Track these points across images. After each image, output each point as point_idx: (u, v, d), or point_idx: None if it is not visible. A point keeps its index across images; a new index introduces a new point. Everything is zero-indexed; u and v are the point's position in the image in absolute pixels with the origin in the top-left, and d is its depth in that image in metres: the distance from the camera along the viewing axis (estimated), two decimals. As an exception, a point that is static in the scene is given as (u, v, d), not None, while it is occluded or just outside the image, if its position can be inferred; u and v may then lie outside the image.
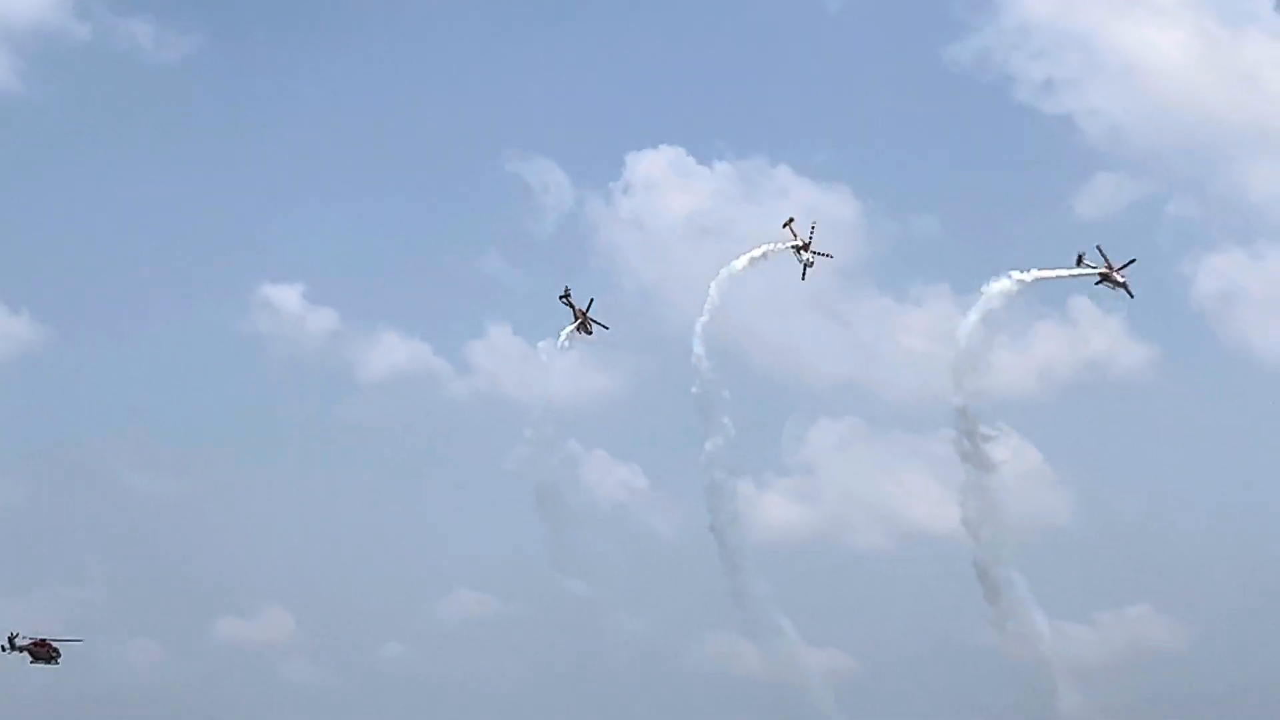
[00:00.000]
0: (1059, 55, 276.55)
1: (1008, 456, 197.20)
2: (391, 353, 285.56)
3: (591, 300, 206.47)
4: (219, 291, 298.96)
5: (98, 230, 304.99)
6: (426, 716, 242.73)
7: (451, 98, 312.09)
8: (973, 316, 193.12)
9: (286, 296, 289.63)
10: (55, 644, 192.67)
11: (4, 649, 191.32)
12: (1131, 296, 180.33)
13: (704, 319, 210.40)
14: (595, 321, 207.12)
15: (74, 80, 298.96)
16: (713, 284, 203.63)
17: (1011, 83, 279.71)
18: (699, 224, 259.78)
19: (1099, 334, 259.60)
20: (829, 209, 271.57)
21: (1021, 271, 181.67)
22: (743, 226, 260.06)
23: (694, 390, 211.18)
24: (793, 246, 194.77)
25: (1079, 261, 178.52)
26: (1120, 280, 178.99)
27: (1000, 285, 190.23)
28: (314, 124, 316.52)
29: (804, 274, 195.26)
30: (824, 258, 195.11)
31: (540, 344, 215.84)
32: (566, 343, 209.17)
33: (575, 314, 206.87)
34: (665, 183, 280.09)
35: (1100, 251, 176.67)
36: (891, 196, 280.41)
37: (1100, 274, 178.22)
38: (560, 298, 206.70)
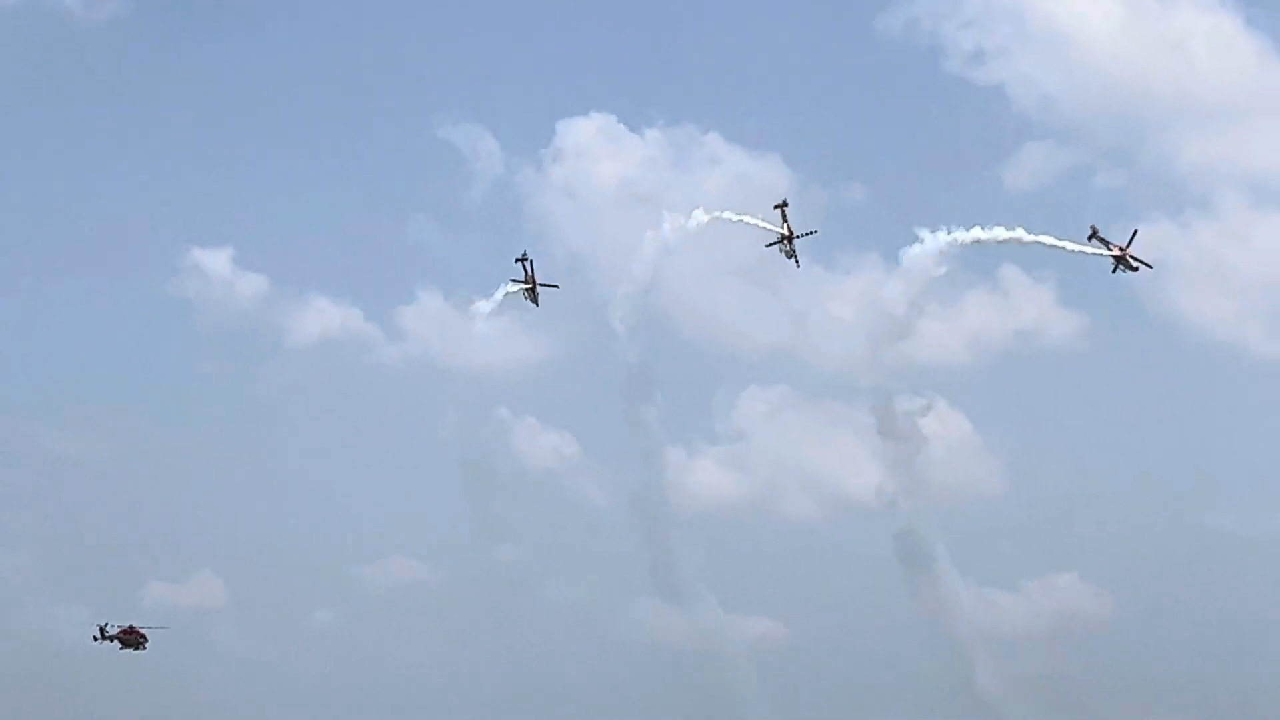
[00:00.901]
0: (989, 25, 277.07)
1: (937, 426, 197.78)
2: (322, 318, 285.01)
3: (531, 261, 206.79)
4: (148, 255, 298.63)
5: (25, 192, 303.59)
6: (356, 682, 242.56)
7: (382, 63, 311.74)
8: (902, 284, 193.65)
9: (216, 261, 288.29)
10: (142, 630, 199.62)
11: (96, 639, 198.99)
12: (1150, 267, 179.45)
13: (635, 287, 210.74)
14: (544, 284, 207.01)
15: (2, 42, 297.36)
16: (649, 246, 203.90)
17: (941, 52, 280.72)
18: (630, 191, 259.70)
19: (1029, 304, 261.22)
20: (760, 177, 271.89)
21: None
22: (674, 193, 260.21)
23: (624, 358, 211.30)
24: (781, 235, 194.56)
25: (1092, 235, 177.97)
26: (1134, 265, 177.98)
27: (930, 252, 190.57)
28: (244, 88, 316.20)
29: (797, 263, 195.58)
30: (810, 234, 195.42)
31: (474, 305, 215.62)
32: (498, 299, 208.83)
33: (528, 279, 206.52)
34: (596, 150, 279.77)
35: (1100, 236, 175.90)
36: (822, 165, 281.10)
37: (1115, 257, 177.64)
38: (518, 260, 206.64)
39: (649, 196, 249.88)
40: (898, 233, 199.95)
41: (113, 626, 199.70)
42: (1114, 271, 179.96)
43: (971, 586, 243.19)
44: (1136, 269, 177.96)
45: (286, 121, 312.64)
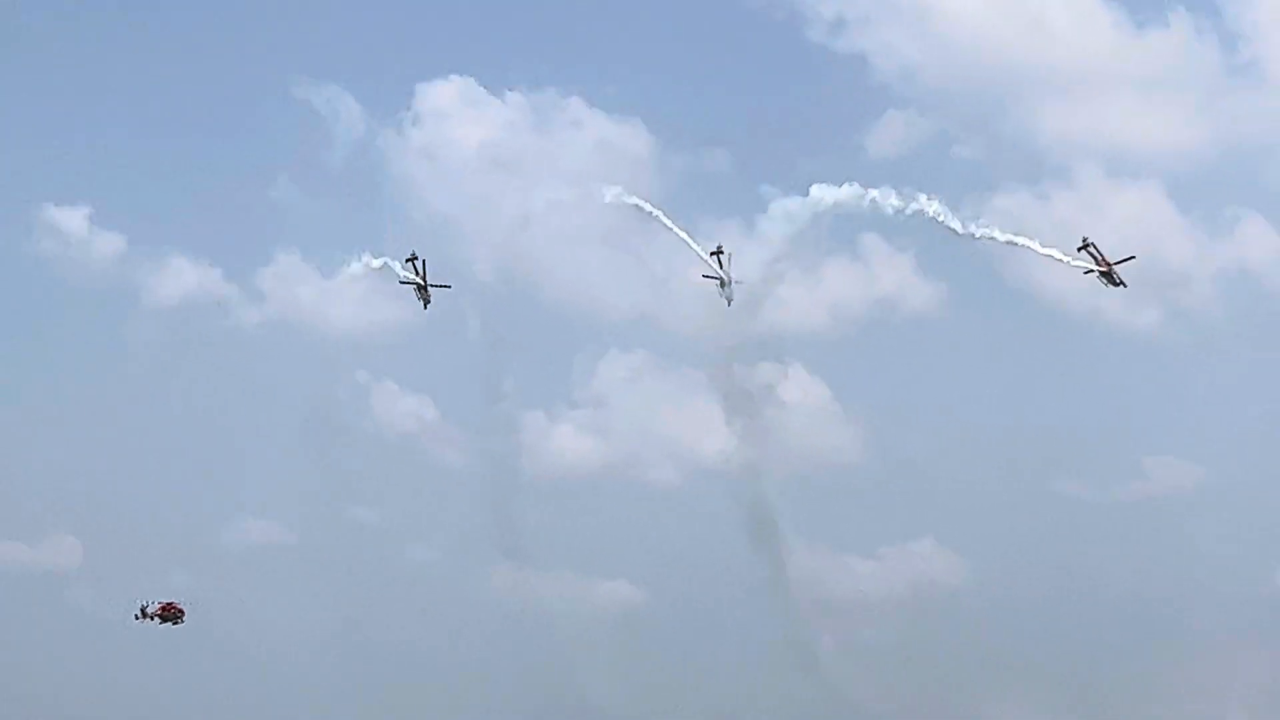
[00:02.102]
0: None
1: (796, 393, 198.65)
2: (180, 278, 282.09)
3: (424, 260, 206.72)
4: (2, 214, 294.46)
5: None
6: (213, 645, 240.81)
7: (240, 21, 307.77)
8: (764, 251, 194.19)
9: (72, 219, 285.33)
10: (179, 606, 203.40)
11: (137, 618, 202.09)
12: (1125, 286, 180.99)
13: (496, 251, 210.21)
14: (435, 284, 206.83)
15: None
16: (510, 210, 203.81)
17: (804, 20, 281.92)
18: (491, 155, 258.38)
19: (889, 272, 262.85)
20: (621, 142, 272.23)
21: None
22: (536, 158, 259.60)
23: (484, 322, 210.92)
24: (718, 280, 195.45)
25: (1083, 246, 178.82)
26: (1119, 281, 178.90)
27: (790, 219, 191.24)
28: (102, 45, 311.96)
29: (729, 304, 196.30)
30: (739, 284, 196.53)
31: (346, 269, 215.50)
32: (363, 269, 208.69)
33: (419, 280, 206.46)
34: (456, 113, 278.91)
35: (1096, 248, 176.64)
36: (683, 130, 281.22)
37: (1101, 271, 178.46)
38: (408, 260, 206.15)
39: (510, 160, 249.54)
40: (760, 199, 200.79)
41: (152, 604, 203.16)
42: (1088, 273, 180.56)
43: (829, 553, 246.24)
44: (1119, 284, 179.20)
45: (144, 79, 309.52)
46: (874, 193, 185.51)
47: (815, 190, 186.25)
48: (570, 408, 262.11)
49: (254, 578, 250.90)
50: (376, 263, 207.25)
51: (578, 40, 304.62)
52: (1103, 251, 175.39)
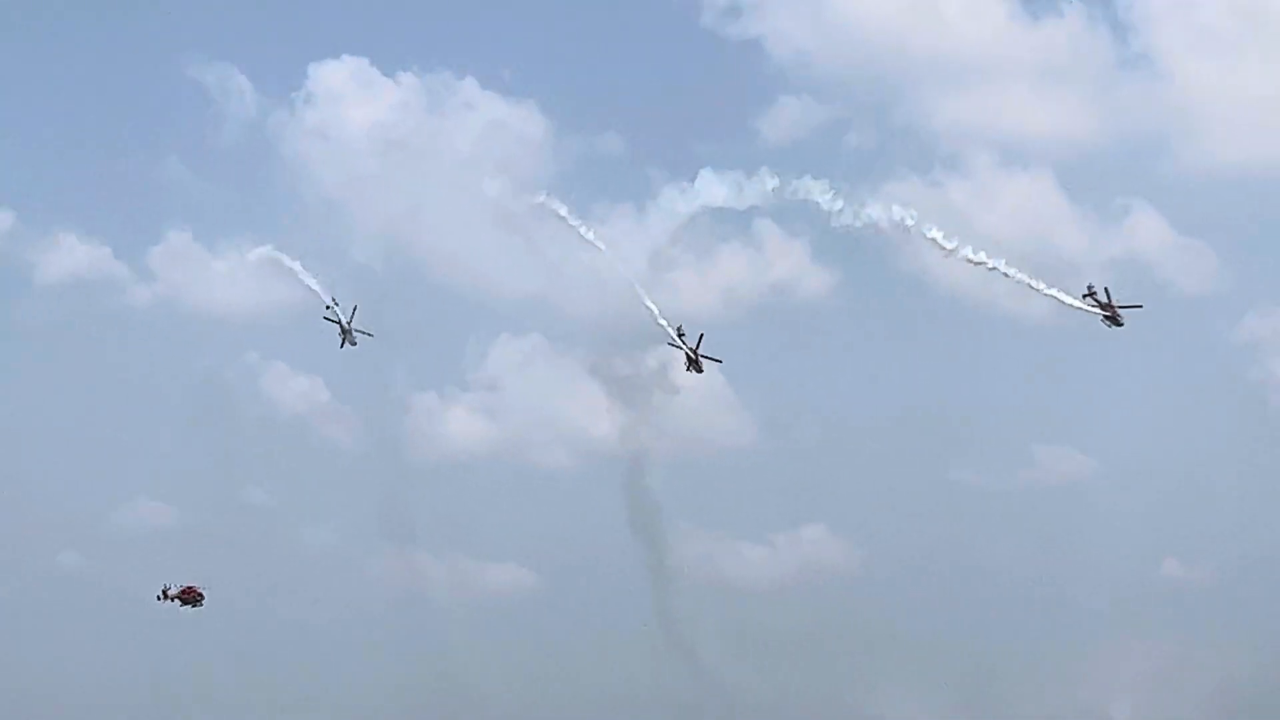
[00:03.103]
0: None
1: (689, 378, 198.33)
2: (71, 256, 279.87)
3: (355, 308, 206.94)
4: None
5: None
6: (103, 625, 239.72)
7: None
8: (658, 235, 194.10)
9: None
10: (199, 590, 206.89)
11: (159, 599, 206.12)
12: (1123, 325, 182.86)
13: (389, 233, 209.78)
14: (360, 331, 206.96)
15: None
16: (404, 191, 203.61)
17: (699, 5, 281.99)
18: (384, 136, 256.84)
19: (783, 258, 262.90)
20: (516, 124, 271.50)
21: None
22: (429, 140, 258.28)
23: (376, 304, 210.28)
24: (686, 356, 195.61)
25: (1089, 292, 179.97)
26: (1121, 322, 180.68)
27: (682, 205, 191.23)
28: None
29: (700, 372, 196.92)
30: (714, 361, 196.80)
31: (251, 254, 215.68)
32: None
33: (341, 328, 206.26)
34: (348, 94, 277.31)
35: (1105, 292, 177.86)
36: (578, 113, 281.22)
37: (1105, 316, 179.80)
38: (327, 306, 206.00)
39: (403, 142, 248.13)
40: (653, 184, 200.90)
41: (173, 587, 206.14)
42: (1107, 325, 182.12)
43: (721, 538, 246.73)
44: (1121, 324, 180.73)
45: (34, 57, 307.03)
46: (767, 181, 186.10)
47: (704, 177, 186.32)
48: (463, 390, 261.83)
49: (145, 558, 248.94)
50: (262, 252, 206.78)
51: (472, 22, 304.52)
52: (1111, 299, 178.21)
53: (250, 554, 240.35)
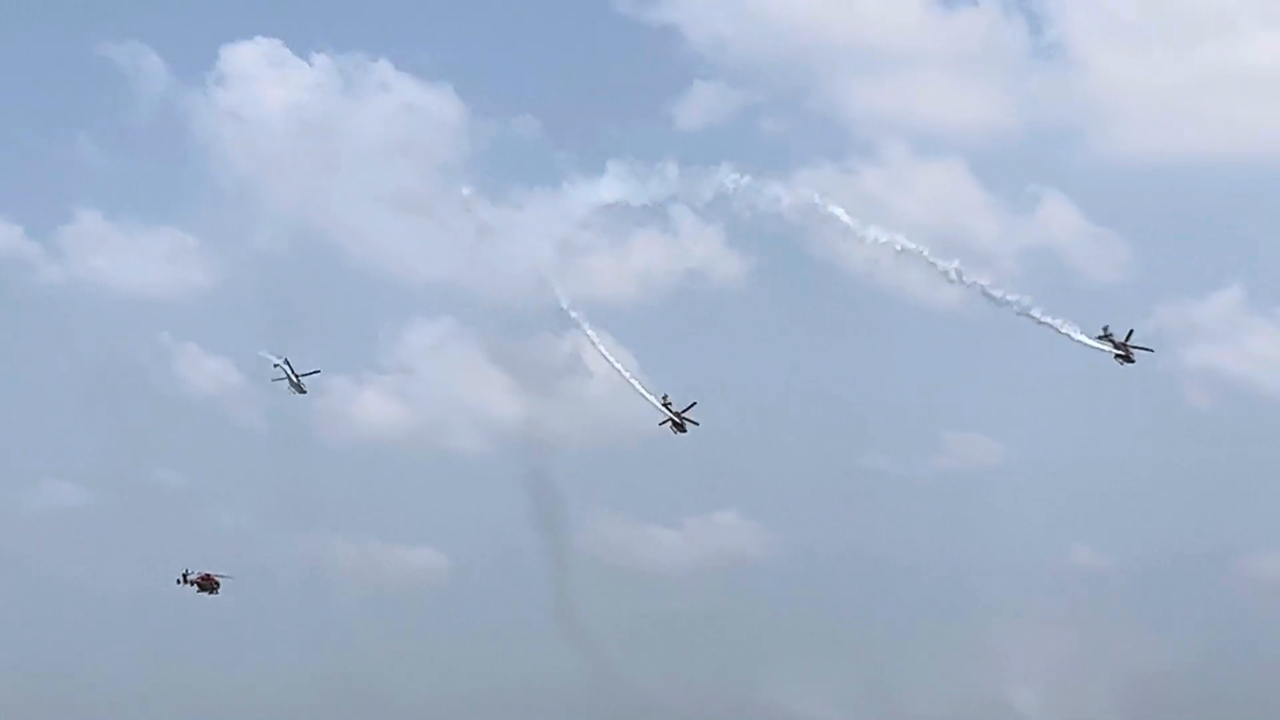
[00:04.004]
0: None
1: (604, 362, 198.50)
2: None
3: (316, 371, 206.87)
4: None
5: None
6: (10, 607, 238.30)
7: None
8: (573, 219, 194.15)
9: None
10: (217, 578, 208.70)
11: (179, 582, 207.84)
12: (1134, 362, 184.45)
13: (302, 215, 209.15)
14: (305, 374, 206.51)
15: None
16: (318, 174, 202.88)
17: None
18: (298, 117, 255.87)
19: (699, 244, 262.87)
20: (430, 107, 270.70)
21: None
22: (343, 122, 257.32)
23: (289, 286, 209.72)
24: (672, 423, 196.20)
25: (1104, 334, 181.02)
26: (1133, 360, 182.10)
27: (597, 190, 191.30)
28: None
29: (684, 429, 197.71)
30: (693, 424, 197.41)
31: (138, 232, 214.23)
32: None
33: (289, 381, 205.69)
34: (261, 75, 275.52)
35: (1113, 337, 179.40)
36: (494, 97, 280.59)
37: (1117, 355, 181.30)
38: (274, 366, 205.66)
39: (317, 124, 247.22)
40: (569, 168, 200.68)
41: (193, 572, 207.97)
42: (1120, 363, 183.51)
43: (633, 523, 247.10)
44: (1133, 362, 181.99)
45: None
46: (680, 169, 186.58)
47: (615, 164, 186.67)
48: (376, 373, 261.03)
49: (54, 540, 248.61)
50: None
51: (386, 4, 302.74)
52: (1124, 340, 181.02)
53: (160, 535, 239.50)
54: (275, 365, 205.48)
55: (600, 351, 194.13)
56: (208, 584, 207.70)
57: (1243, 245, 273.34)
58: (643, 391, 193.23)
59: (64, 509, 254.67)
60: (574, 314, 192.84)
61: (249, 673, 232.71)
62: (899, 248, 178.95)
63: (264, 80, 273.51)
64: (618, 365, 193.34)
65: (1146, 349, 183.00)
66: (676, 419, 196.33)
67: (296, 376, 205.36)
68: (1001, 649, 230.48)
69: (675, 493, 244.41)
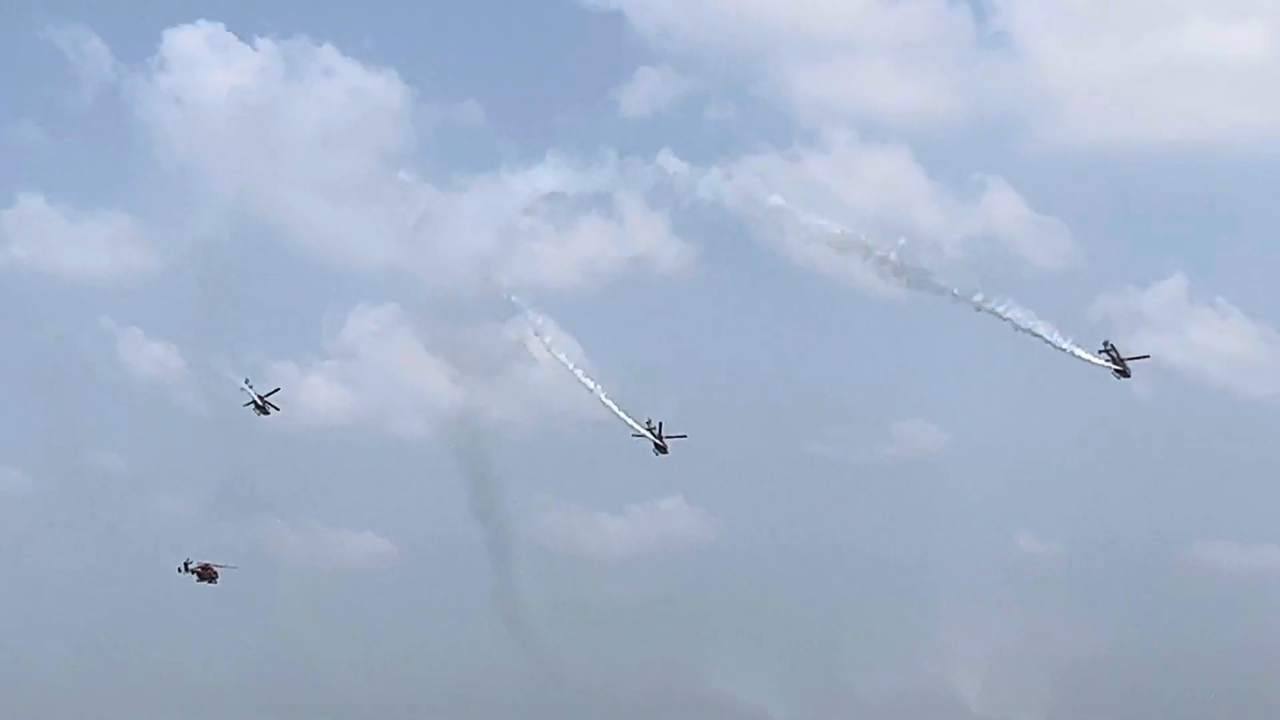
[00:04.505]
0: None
1: (547, 350, 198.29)
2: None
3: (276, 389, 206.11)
4: None
5: None
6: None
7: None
8: (518, 205, 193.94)
9: None
10: (216, 568, 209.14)
11: (180, 570, 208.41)
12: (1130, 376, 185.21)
13: (245, 200, 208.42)
14: (270, 401, 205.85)
15: None
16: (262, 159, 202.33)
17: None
18: (241, 102, 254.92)
19: (644, 231, 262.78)
20: (375, 92, 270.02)
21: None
22: (287, 107, 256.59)
23: (233, 270, 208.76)
24: (653, 444, 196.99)
25: (1105, 348, 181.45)
26: (1129, 374, 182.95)
27: (541, 176, 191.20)
28: None
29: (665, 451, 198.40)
30: (678, 439, 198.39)
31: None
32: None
33: (255, 404, 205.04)
34: (205, 59, 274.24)
35: (1115, 347, 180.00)
36: (438, 82, 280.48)
37: (1115, 370, 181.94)
38: (240, 390, 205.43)
39: (261, 109, 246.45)
40: (514, 154, 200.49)
41: (194, 562, 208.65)
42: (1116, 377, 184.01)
43: (578, 509, 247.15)
44: (1129, 376, 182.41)
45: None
46: (624, 155, 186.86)
47: (559, 149, 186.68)
48: (320, 359, 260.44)
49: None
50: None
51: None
52: (1119, 352, 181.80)
53: (103, 521, 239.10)
54: (241, 389, 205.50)
55: (543, 343, 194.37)
56: (207, 573, 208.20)
57: (1186, 234, 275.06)
58: (584, 380, 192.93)
59: (5, 495, 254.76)
60: (518, 301, 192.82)
61: (191, 659, 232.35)
62: (842, 235, 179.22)
63: (207, 65, 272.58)
64: (561, 356, 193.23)
65: (1143, 356, 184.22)
66: (658, 443, 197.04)
67: (261, 399, 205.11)
68: (945, 636, 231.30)
69: (620, 479, 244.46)
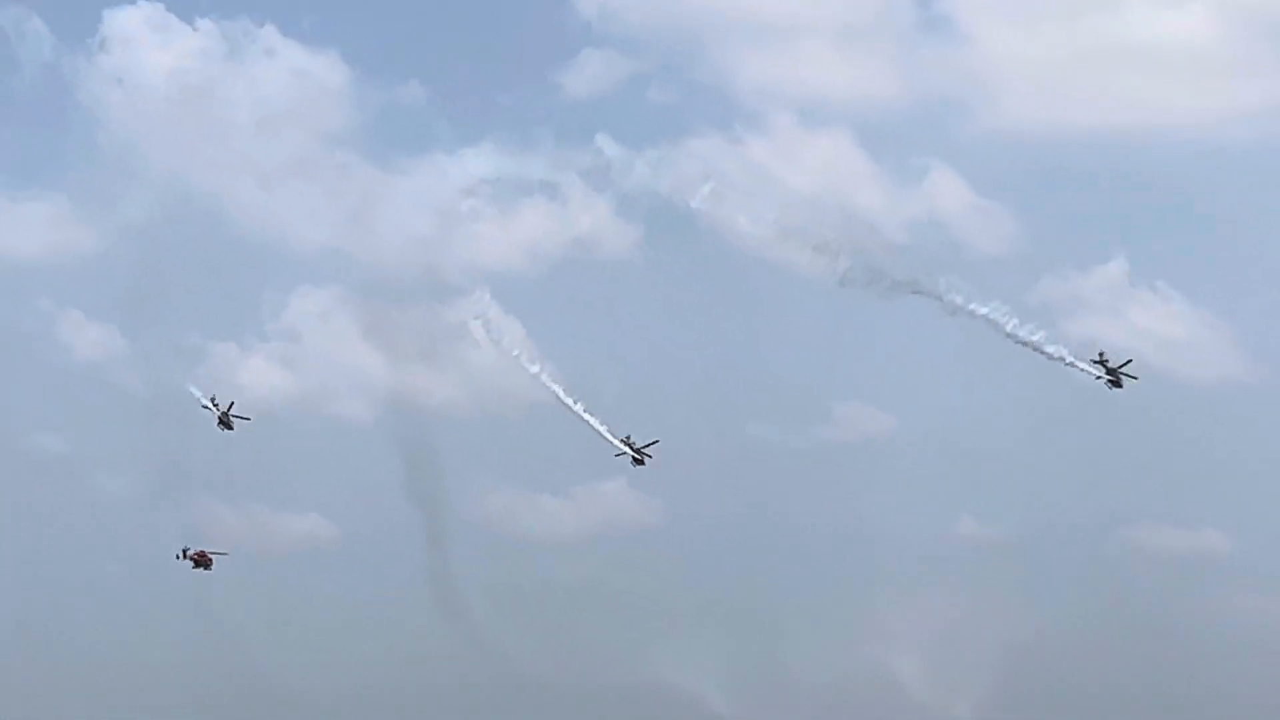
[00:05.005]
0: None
1: (489, 331, 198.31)
2: None
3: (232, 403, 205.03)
4: None
5: None
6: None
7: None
8: (460, 187, 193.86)
9: None
10: (211, 555, 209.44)
11: (178, 557, 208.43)
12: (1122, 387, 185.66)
13: (187, 180, 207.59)
14: (237, 416, 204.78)
15: None
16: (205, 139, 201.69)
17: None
18: (182, 83, 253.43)
19: (586, 214, 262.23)
20: (317, 73, 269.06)
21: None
22: (228, 88, 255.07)
23: (173, 252, 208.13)
24: (632, 458, 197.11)
25: (1099, 359, 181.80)
26: (1120, 384, 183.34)
27: (484, 160, 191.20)
28: None
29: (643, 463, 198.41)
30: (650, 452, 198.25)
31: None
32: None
33: (219, 419, 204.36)
34: (145, 40, 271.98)
35: (1108, 359, 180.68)
36: (381, 63, 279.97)
37: (1109, 381, 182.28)
38: (203, 407, 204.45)
39: (201, 90, 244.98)
40: (456, 135, 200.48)
41: (191, 549, 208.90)
42: (1104, 380, 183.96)
43: (521, 492, 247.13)
44: (1121, 385, 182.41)
45: None
46: (564, 139, 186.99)
47: (501, 133, 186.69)
48: (262, 340, 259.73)
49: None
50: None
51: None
52: (1109, 361, 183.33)
53: (44, 502, 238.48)
54: (204, 407, 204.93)
55: (485, 326, 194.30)
56: (202, 560, 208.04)
57: (1127, 218, 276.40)
58: (526, 365, 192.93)
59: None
60: (460, 283, 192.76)
61: (130, 641, 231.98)
62: (784, 218, 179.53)
63: (147, 45, 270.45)
64: (504, 339, 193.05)
65: (1128, 361, 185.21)
66: (636, 455, 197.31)
67: (224, 413, 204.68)
68: (887, 619, 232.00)
69: (563, 462, 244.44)
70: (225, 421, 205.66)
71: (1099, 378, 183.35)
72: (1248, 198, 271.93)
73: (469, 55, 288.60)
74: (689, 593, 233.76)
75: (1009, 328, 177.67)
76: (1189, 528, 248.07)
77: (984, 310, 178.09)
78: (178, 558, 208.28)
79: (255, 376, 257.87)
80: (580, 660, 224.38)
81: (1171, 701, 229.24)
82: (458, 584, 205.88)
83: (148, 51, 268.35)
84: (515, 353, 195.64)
